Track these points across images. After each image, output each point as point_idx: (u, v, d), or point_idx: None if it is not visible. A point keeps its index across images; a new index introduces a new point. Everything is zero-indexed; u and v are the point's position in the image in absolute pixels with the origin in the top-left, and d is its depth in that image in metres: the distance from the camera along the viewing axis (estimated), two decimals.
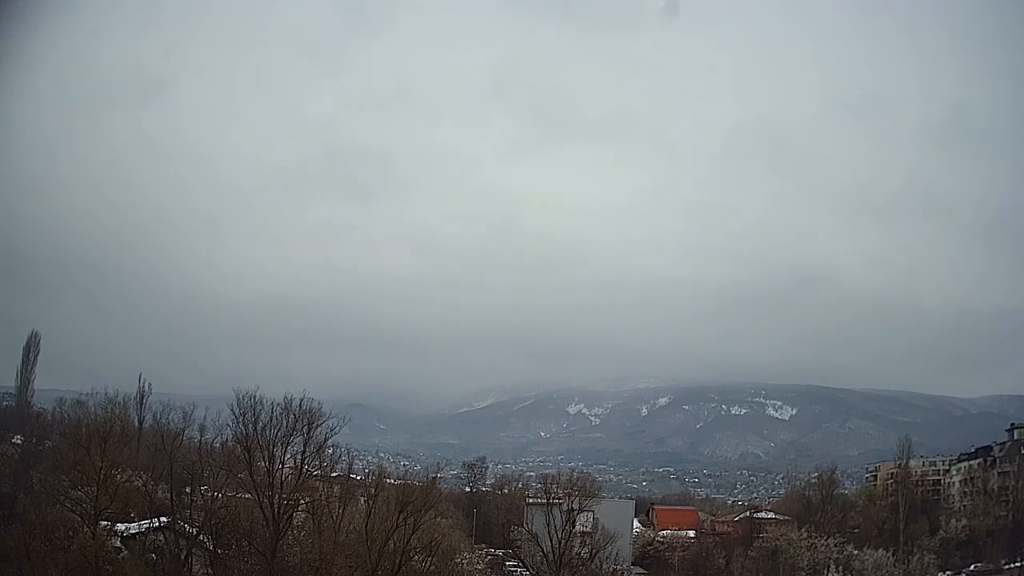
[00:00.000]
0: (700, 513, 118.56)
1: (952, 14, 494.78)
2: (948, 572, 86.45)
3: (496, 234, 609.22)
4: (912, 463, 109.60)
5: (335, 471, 54.63)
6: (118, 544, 45.64)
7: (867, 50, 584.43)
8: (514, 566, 74.36)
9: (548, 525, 63.12)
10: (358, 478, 63.84)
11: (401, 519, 46.58)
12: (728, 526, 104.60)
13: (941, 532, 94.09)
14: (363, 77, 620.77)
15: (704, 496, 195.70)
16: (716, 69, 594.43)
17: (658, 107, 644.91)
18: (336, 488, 53.48)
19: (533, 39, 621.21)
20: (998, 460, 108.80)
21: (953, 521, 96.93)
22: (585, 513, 66.11)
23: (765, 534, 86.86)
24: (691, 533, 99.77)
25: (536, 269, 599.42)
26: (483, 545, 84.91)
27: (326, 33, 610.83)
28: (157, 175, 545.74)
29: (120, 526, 46.94)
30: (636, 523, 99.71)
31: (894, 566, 77.48)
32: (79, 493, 45.44)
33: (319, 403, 48.83)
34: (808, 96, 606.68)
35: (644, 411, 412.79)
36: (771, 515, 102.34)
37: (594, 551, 65.49)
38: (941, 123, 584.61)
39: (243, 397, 46.16)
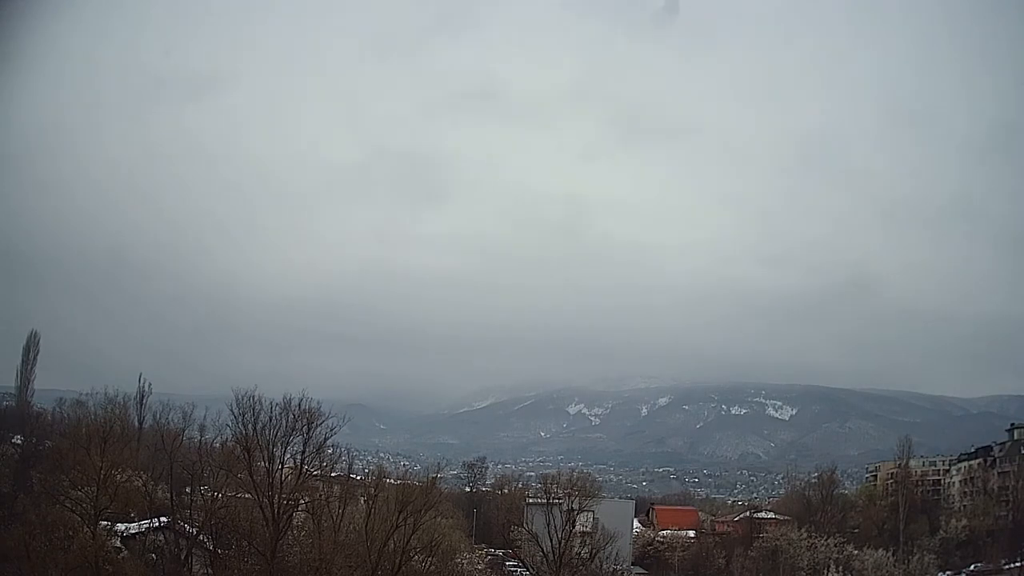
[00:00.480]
0: (700, 513, 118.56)
1: (996, 33, 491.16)
2: (948, 572, 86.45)
3: (519, 236, 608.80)
4: (912, 463, 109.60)
5: (335, 471, 54.52)
6: (118, 544, 45.59)
7: (916, 65, 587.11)
8: (514, 566, 74.34)
9: (548, 525, 63.10)
10: (358, 478, 63.74)
11: (401, 519, 46.52)
12: (728, 526, 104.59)
13: (941, 532, 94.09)
14: (435, 78, 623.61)
15: (704, 496, 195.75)
16: (772, 80, 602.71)
17: (720, 116, 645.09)
18: (336, 488, 53.42)
19: (605, 47, 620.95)
20: (998, 460, 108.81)
21: (953, 521, 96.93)
22: (585, 513, 66.08)
23: (765, 534, 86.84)
24: (691, 533, 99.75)
25: (556, 270, 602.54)
26: (483, 545, 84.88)
27: (400, 34, 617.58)
28: (160, 175, 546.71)
29: (120, 526, 46.87)
30: (636, 523, 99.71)
31: (894, 566, 77.46)
32: (79, 493, 45.37)
33: (319, 403, 48.79)
34: (859, 108, 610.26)
35: (644, 411, 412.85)
36: (771, 515, 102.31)
37: (594, 551, 65.47)
38: (982, 137, 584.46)
39: (242, 397, 46.13)
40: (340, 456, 56.44)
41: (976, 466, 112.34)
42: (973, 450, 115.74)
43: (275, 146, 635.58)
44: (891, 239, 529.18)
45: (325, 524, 47.38)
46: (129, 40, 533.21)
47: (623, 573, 71.47)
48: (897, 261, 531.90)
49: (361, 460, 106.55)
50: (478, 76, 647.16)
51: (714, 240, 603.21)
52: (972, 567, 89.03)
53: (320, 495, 50.61)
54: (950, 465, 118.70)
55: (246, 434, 46.01)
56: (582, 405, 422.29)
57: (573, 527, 63.95)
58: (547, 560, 61.93)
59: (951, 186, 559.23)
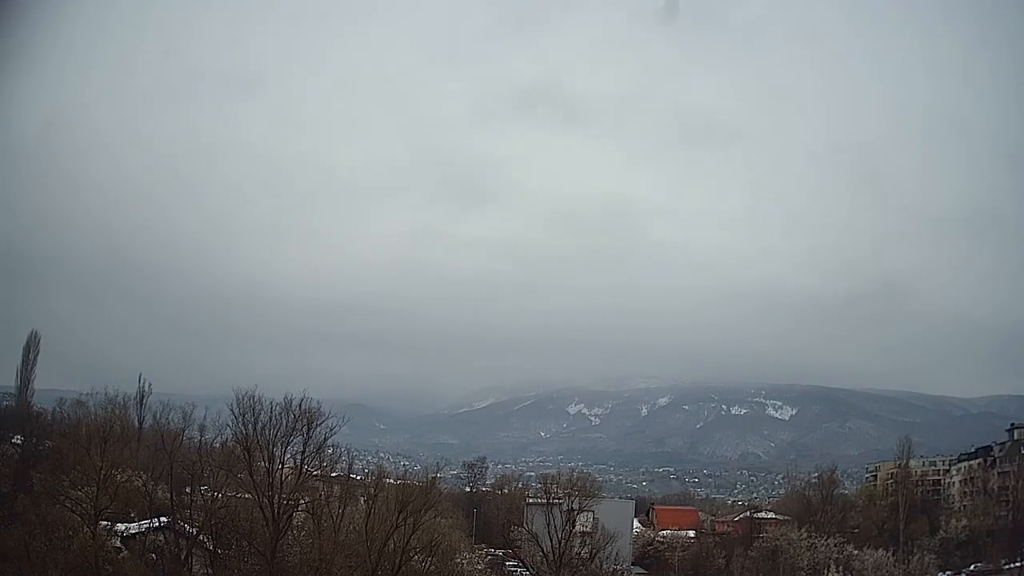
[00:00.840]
0: (700, 513, 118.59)
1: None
2: (948, 572, 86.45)
3: (520, 237, 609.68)
4: (912, 463, 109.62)
5: (335, 471, 54.51)
6: (118, 544, 45.57)
7: (931, 68, 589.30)
8: (514, 566, 74.34)
9: (548, 525, 63.10)
10: (358, 478, 63.70)
11: (401, 519, 46.49)
12: (728, 526, 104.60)
13: (941, 532, 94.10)
14: (487, 82, 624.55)
15: (704, 496, 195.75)
16: (784, 83, 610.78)
17: (737, 121, 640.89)
18: (336, 488, 53.44)
19: (657, 53, 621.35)
20: (998, 460, 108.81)
21: (953, 521, 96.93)
22: (585, 513, 66.08)
23: (765, 534, 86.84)
24: (691, 533, 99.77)
25: (556, 270, 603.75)
26: (483, 545, 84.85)
27: (458, 38, 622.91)
28: (160, 174, 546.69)
29: (120, 526, 46.85)
30: (636, 523, 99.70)
31: (894, 566, 77.45)
32: (79, 493, 45.36)
33: (319, 403, 48.73)
34: (861, 111, 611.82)
35: (644, 411, 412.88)
36: (771, 515, 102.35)
37: (594, 551, 65.47)
38: (985, 140, 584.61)
39: (242, 397, 46.07)
40: (340, 456, 56.51)
41: (976, 466, 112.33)
42: (973, 450, 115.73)
43: (277, 146, 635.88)
44: (893, 241, 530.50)
45: (325, 524, 47.35)
46: (142, 39, 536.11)
47: (623, 573, 71.45)
48: (899, 262, 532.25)
49: (361, 460, 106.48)
50: (485, 82, 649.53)
51: (718, 242, 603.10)
52: (972, 567, 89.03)
53: (320, 495, 50.60)
54: (950, 465, 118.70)
55: (246, 434, 45.96)
56: (582, 405, 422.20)
57: (573, 527, 63.95)
58: (547, 560, 61.92)
59: (954, 188, 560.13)
